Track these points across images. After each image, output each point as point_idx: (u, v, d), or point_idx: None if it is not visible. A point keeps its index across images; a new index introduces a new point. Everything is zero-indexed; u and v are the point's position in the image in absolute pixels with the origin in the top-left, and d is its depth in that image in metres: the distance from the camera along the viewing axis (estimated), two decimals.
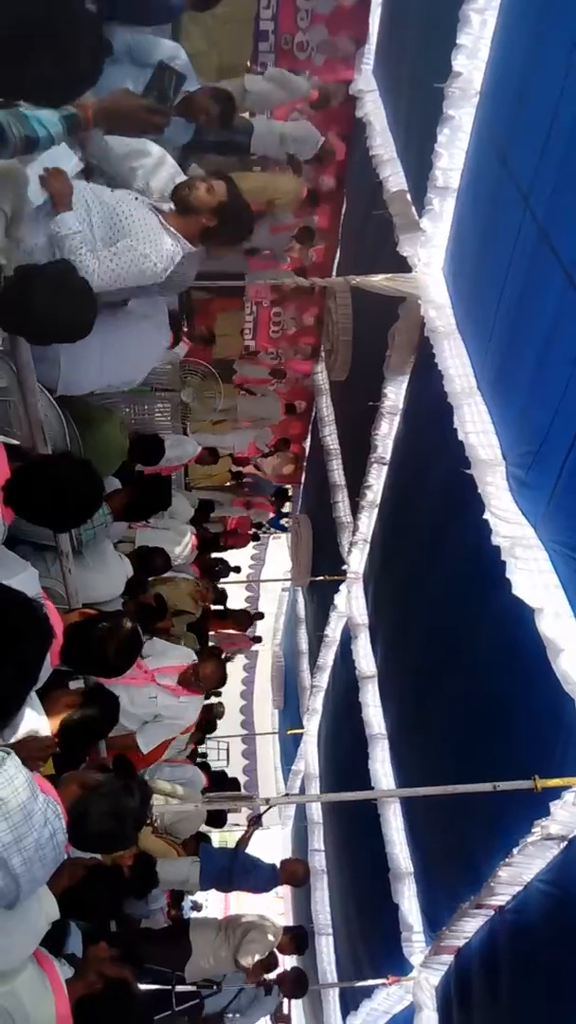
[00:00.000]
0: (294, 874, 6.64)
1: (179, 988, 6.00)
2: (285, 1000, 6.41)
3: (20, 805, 1.98)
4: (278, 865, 6.63)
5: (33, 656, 1.88)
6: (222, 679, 5.14)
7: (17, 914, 2.33)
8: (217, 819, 8.02)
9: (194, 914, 8.85)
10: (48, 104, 2.39)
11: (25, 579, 2.76)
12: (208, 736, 10.51)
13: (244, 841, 6.72)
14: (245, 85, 6.40)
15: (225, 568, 11.25)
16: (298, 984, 6.18)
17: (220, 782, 8.22)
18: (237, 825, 8.78)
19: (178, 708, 4.67)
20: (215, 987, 6.26)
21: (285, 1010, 6.39)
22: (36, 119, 2.41)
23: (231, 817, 9.03)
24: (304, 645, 11.17)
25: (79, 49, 2.01)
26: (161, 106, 2.98)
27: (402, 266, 4.85)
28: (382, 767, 6.07)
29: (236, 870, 6.35)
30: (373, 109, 6.33)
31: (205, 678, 4.86)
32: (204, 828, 7.67)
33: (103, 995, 2.52)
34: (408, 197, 5.20)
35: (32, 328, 2.71)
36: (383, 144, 5.91)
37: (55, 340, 2.92)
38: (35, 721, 2.59)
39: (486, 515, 3.50)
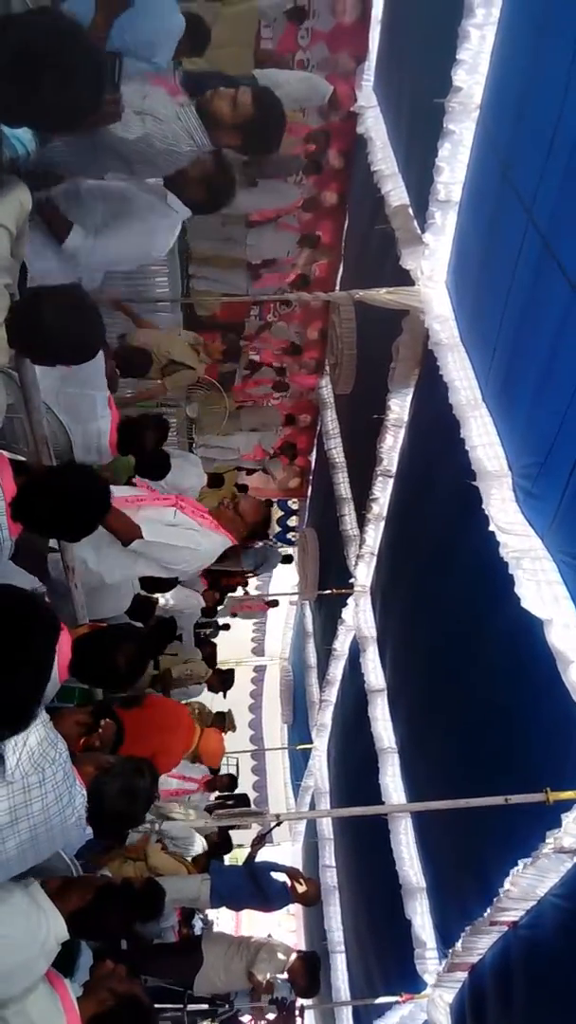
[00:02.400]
0: (306, 893, 6.58)
1: (191, 1007, 5.97)
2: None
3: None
4: (289, 883, 6.57)
5: (44, 650, 1.89)
6: (265, 519, 4.18)
7: (25, 936, 2.33)
8: (223, 846, 7.76)
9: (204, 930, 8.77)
10: (56, 129, 2.44)
11: None
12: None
13: (250, 859, 6.67)
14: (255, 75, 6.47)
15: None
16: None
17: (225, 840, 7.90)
18: (240, 846, 8.70)
19: (196, 532, 3.80)
20: (227, 1005, 6.21)
21: None
22: (15, 137, 2.47)
23: (242, 834, 8.96)
24: (312, 659, 11.15)
25: (79, 77, 2.08)
26: (112, 95, 2.97)
27: (405, 279, 4.87)
28: (392, 781, 6.03)
29: (247, 888, 6.31)
30: (374, 125, 6.38)
31: (245, 511, 3.98)
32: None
33: (115, 1012, 2.51)
34: (410, 211, 5.23)
35: (41, 348, 2.73)
36: (384, 159, 5.95)
37: (62, 361, 2.94)
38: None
39: (492, 527, 3.50)
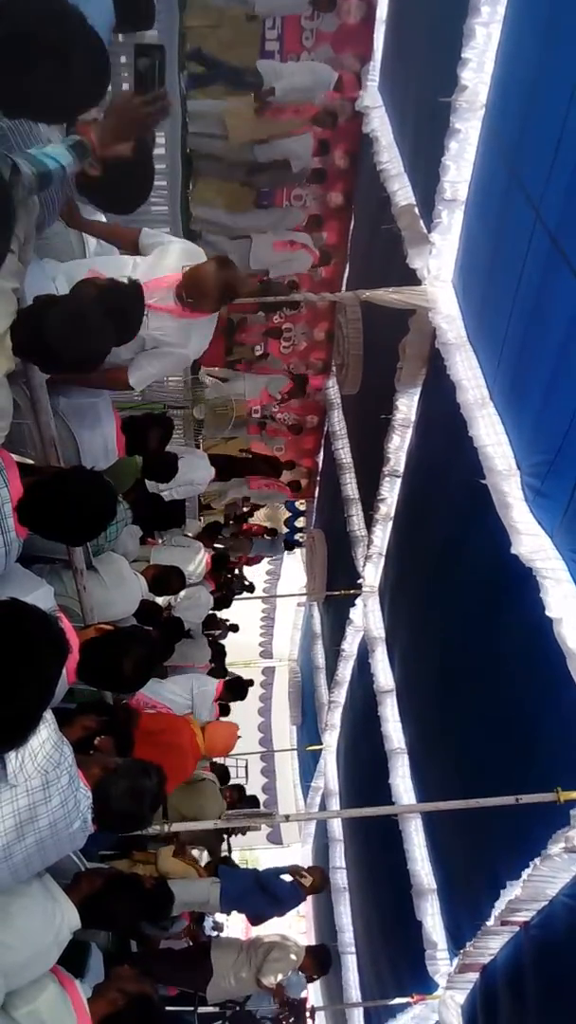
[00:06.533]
0: (313, 883, 6.55)
1: (202, 1009, 5.97)
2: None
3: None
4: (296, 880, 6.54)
5: (51, 673, 1.88)
6: (229, 284, 3.56)
7: (36, 924, 2.33)
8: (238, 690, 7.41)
9: (215, 935, 8.76)
10: (48, 120, 2.40)
11: (40, 597, 2.76)
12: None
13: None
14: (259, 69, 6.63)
15: (240, 585, 11.23)
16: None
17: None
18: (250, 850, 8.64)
19: (178, 332, 3.53)
20: (237, 1007, 6.21)
21: None
22: (45, 155, 2.44)
23: (250, 836, 8.95)
24: (321, 660, 11.14)
25: (76, 65, 2.02)
26: (157, 92, 2.79)
27: (411, 279, 4.87)
28: (403, 782, 6.02)
29: (257, 892, 6.29)
30: (379, 125, 6.38)
31: (218, 277, 3.41)
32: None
33: (126, 1012, 2.51)
34: (416, 211, 5.22)
35: (43, 357, 2.73)
36: (390, 159, 5.94)
37: (64, 370, 2.93)
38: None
39: (505, 524, 3.49)
